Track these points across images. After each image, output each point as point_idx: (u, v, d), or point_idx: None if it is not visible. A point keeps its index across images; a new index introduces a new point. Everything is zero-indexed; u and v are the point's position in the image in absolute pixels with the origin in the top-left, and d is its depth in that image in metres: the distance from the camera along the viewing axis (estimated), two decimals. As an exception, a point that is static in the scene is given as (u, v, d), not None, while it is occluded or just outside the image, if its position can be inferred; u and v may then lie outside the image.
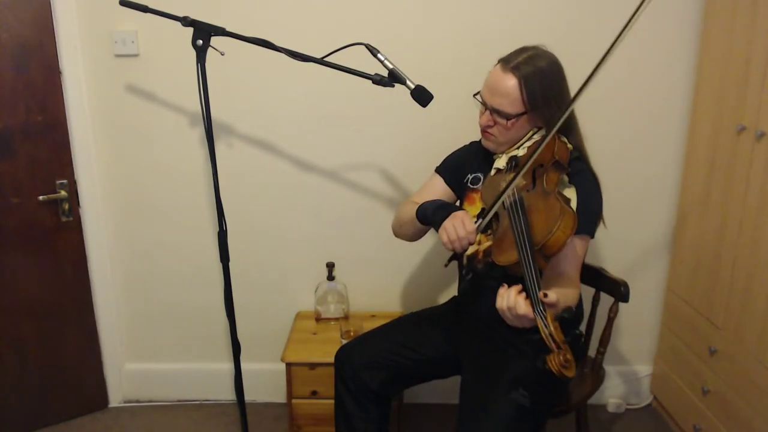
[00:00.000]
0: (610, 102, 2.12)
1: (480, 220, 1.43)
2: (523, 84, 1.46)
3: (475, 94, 1.58)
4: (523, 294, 1.21)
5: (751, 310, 1.76)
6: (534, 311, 1.17)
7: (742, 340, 1.80)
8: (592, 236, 1.52)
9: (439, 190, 1.74)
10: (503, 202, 1.39)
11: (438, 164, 1.79)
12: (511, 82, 1.47)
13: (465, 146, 1.80)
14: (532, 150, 1.39)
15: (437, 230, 1.48)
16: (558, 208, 1.29)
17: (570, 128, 1.55)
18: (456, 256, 1.52)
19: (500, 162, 1.58)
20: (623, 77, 2.10)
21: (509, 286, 1.25)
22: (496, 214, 1.43)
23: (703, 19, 2.02)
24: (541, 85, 1.46)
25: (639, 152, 2.18)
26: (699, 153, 2.05)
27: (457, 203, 1.74)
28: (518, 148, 1.55)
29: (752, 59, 1.73)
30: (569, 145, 1.52)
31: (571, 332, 1.70)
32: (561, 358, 1.09)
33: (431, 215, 1.53)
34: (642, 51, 2.07)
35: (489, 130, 1.57)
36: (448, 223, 1.42)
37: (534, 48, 1.52)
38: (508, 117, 1.50)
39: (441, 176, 1.76)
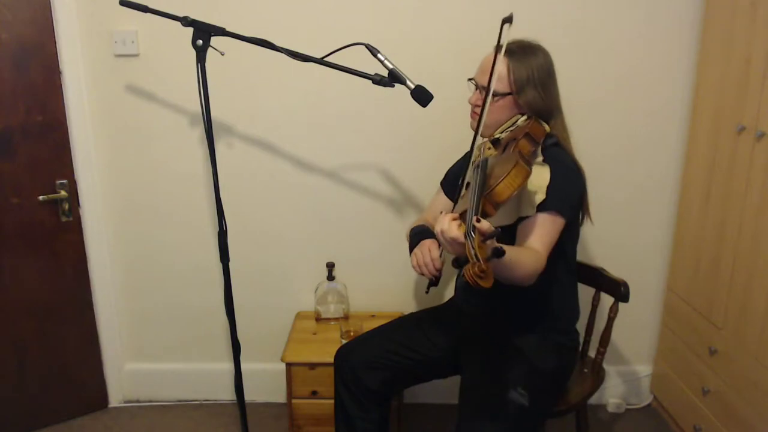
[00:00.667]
0: (610, 102, 2.12)
1: (442, 248, 1.53)
2: (511, 67, 1.54)
3: (469, 79, 1.66)
4: (457, 220, 1.25)
5: (751, 310, 1.76)
6: (465, 237, 1.20)
7: (742, 340, 1.80)
8: (566, 217, 1.50)
9: (441, 203, 1.84)
10: (473, 167, 1.47)
11: (446, 166, 1.88)
12: (501, 63, 1.53)
13: (463, 156, 1.84)
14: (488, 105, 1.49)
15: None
16: (513, 160, 1.33)
17: (551, 116, 1.59)
18: (432, 283, 1.60)
19: (497, 134, 1.63)
20: (623, 77, 2.10)
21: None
22: (468, 187, 1.49)
23: (703, 19, 2.02)
24: (529, 72, 1.53)
25: (639, 152, 2.18)
26: (699, 153, 2.05)
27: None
28: (501, 132, 1.60)
29: (752, 59, 1.73)
30: (546, 128, 1.56)
31: (566, 327, 1.70)
32: (476, 268, 1.12)
33: (410, 243, 1.70)
34: (642, 51, 2.07)
35: (476, 110, 1.63)
36: (417, 251, 1.60)
37: (529, 41, 1.59)
38: (494, 94, 1.55)
39: (442, 189, 1.86)
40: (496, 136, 1.60)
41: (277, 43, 1.60)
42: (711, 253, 1.96)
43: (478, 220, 1.19)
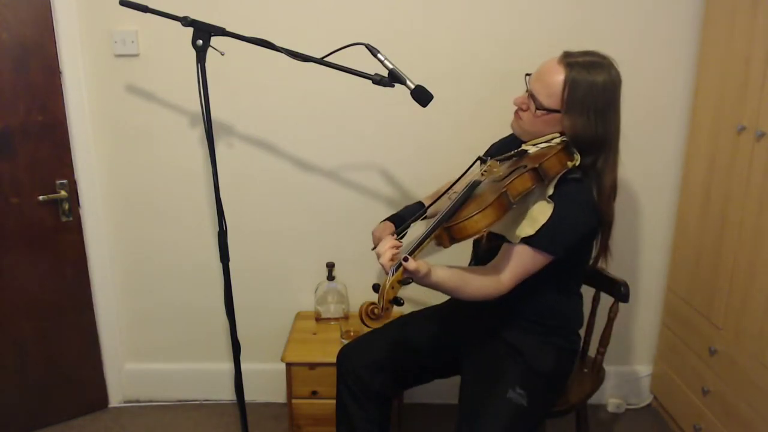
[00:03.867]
0: (610, 102, 2.12)
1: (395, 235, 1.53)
2: (568, 85, 1.39)
3: (527, 75, 1.52)
4: (394, 249, 1.26)
5: (751, 310, 1.75)
6: (390, 267, 1.23)
7: (742, 340, 1.80)
8: (554, 255, 1.41)
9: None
10: (469, 182, 1.43)
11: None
12: (559, 77, 1.41)
13: (508, 136, 1.72)
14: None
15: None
16: (489, 201, 1.26)
17: (597, 147, 1.43)
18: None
19: (528, 147, 1.51)
20: (623, 77, 2.09)
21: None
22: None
23: (703, 19, 2.02)
24: (586, 94, 1.38)
25: (639, 152, 2.18)
26: (699, 153, 2.05)
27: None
28: (534, 145, 1.49)
29: (752, 59, 1.73)
30: (570, 164, 1.41)
31: (566, 332, 1.69)
32: (372, 308, 1.18)
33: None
34: (642, 51, 2.07)
35: (520, 112, 1.53)
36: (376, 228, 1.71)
37: (603, 57, 1.44)
38: (539, 106, 1.44)
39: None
40: (525, 148, 1.49)
41: (277, 43, 1.60)
42: (711, 253, 1.96)
43: (406, 259, 1.21)
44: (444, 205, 1.42)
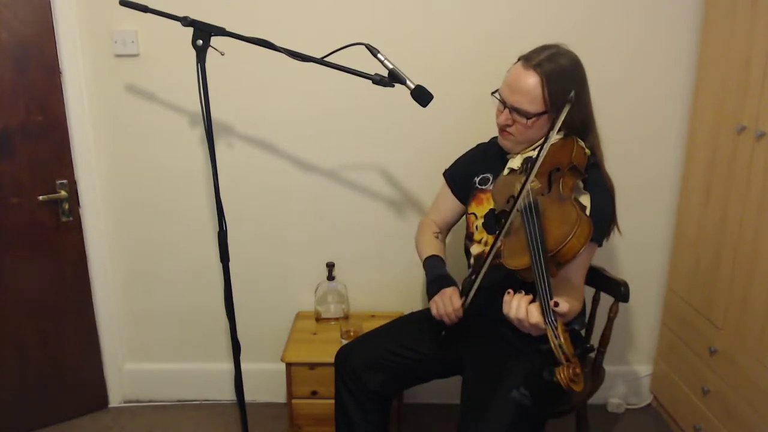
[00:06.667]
0: (610, 102, 2.12)
1: (464, 298, 1.51)
2: (544, 82, 1.43)
3: (493, 92, 1.56)
4: (534, 303, 1.18)
5: (751, 310, 1.75)
6: (545, 321, 1.14)
7: (742, 340, 1.80)
8: (600, 244, 1.50)
9: (448, 203, 1.81)
10: (517, 205, 1.36)
11: (446, 166, 1.84)
12: (532, 80, 1.45)
13: (471, 150, 1.82)
14: (545, 151, 1.37)
15: (428, 299, 1.61)
16: (575, 215, 1.25)
17: (586, 129, 1.52)
18: (448, 327, 1.58)
19: (514, 162, 1.56)
20: (623, 77, 2.10)
21: (515, 291, 1.24)
22: (506, 215, 1.40)
23: (703, 19, 2.02)
24: (563, 84, 1.43)
25: (639, 152, 2.18)
26: (699, 153, 2.05)
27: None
28: (534, 149, 1.52)
29: (752, 59, 1.73)
30: (587, 150, 1.50)
31: (582, 345, 1.69)
32: (570, 371, 1.06)
33: (428, 285, 1.65)
34: (642, 51, 2.07)
35: (508, 129, 1.55)
36: (437, 299, 1.56)
37: (555, 46, 1.50)
38: (528, 116, 1.47)
39: (449, 185, 1.81)
40: (527, 155, 1.52)
41: (277, 43, 1.60)
42: (711, 253, 1.96)
43: (556, 304, 1.12)
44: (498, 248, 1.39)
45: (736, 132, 1.81)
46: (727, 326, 1.88)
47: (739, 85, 1.80)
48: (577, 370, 1.06)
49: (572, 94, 1.36)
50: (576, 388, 1.06)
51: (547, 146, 1.35)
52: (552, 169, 1.40)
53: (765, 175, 1.68)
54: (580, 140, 1.50)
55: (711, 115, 1.97)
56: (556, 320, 1.13)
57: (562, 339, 1.10)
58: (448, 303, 1.52)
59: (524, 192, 1.35)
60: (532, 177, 1.35)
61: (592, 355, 1.86)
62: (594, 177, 1.48)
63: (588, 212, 1.40)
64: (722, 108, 1.90)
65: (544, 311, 1.15)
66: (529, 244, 1.23)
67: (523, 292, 1.25)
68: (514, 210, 1.37)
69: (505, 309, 1.22)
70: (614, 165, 2.14)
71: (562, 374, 1.06)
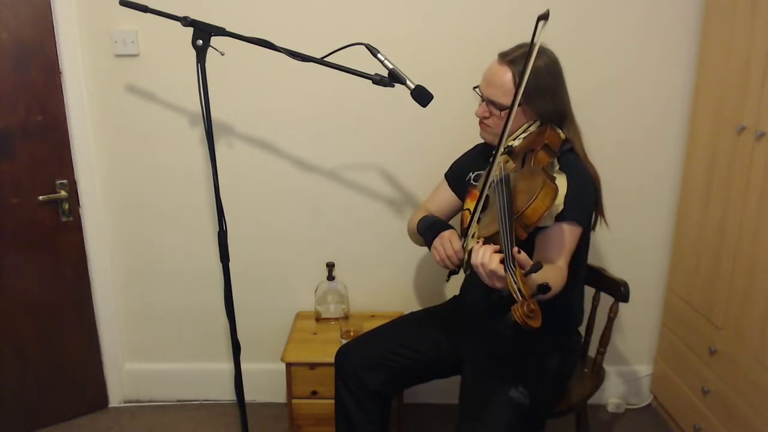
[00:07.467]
0: (610, 102, 2.12)
1: (463, 240, 1.51)
2: (517, 77, 1.49)
3: (474, 87, 1.63)
4: (499, 254, 1.21)
5: (751, 310, 1.76)
6: (505, 268, 1.17)
7: (742, 340, 1.80)
8: (583, 226, 1.50)
9: (445, 195, 1.84)
10: (492, 182, 1.43)
11: (445, 166, 1.87)
12: (506, 75, 1.52)
13: (470, 149, 1.85)
14: (511, 121, 1.42)
15: (430, 250, 1.60)
16: (540, 180, 1.31)
17: (563, 119, 1.57)
18: (453, 272, 1.57)
19: (510, 142, 1.60)
20: (623, 77, 2.10)
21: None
22: (487, 200, 1.46)
23: (703, 19, 2.02)
24: (536, 79, 1.47)
25: (639, 152, 2.18)
26: (699, 153, 2.05)
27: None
28: (514, 139, 1.57)
29: (752, 59, 1.73)
30: (562, 135, 1.54)
31: (569, 329, 1.70)
32: (525, 308, 1.08)
33: (423, 234, 1.66)
34: (642, 51, 2.07)
35: (485, 121, 1.62)
36: (437, 243, 1.55)
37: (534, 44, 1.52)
38: (501, 108, 1.54)
39: (447, 182, 1.85)
40: (509, 144, 1.56)
41: (277, 43, 1.60)
42: (711, 253, 1.96)
43: (519, 251, 1.15)
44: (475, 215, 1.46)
45: (736, 132, 1.81)
46: (727, 326, 1.88)
47: (739, 86, 1.80)
48: (532, 306, 1.09)
49: (547, 11, 1.40)
50: (532, 323, 1.08)
51: (512, 117, 1.40)
52: (527, 151, 1.48)
53: (765, 175, 1.68)
54: (555, 127, 1.55)
55: (711, 116, 1.97)
56: (515, 267, 1.16)
57: (521, 283, 1.13)
58: (448, 245, 1.52)
59: (495, 165, 1.44)
60: (501, 149, 1.44)
61: (591, 354, 1.86)
62: (571, 161, 1.53)
63: (563, 190, 1.42)
64: (722, 108, 1.90)
65: (506, 261, 1.18)
66: (499, 211, 1.30)
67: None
68: (490, 190, 1.44)
69: (473, 257, 1.24)
70: (614, 165, 2.17)
71: (518, 312, 1.09)
